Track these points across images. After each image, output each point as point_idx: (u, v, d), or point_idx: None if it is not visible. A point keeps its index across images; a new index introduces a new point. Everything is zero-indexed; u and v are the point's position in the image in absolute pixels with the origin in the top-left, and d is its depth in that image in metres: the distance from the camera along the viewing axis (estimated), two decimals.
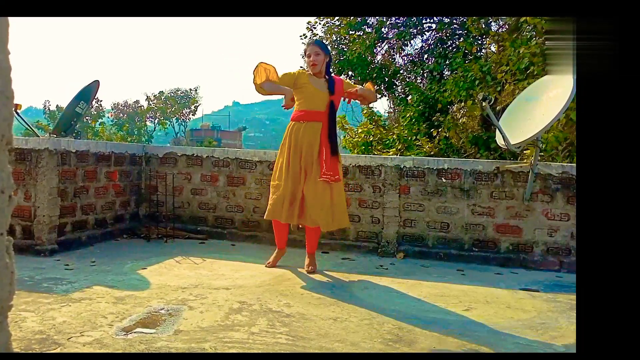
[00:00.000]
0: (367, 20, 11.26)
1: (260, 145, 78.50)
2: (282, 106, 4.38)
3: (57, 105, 50.80)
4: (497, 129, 4.83)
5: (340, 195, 4.16)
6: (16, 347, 2.43)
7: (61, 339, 2.56)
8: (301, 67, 12.58)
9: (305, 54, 4.33)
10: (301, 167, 4.12)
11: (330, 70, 4.36)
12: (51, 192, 4.53)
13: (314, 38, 4.11)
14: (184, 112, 57.16)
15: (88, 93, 6.28)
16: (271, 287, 3.75)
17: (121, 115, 56.30)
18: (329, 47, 4.63)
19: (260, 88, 4.09)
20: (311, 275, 4.16)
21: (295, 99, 4.24)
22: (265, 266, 4.39)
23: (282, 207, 4.11)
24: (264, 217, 4.33)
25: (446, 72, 10.37)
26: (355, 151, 10.34)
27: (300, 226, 4.57)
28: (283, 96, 4.28)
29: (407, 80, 11.24)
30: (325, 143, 4.12)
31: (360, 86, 4.40)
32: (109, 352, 2.42)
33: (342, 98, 4.30)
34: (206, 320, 2.93)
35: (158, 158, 5.84)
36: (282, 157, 4.23)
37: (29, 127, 6.50)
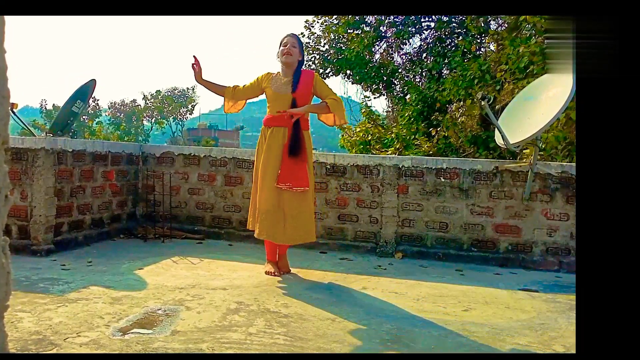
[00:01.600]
0: (365, 19, 11.25)
1: None
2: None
3: (53, 104, 50.79)
4: (496, 128, 4.82)
5: (300, 207, 3.91)
6: (12, 348, 2.41)
7: (57, 339, 2.54)
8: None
9: (281, 42, 4.09)
10: (274, 179, 3.93)
11: (300, 69, 4.08)
12: (47, 191, 4.51)
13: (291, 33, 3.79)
14: (181, 111, 57.11)
15: (85, 92, 6.26)
16: (269, 288, 3.73)
17: (118, 114, 56.25)
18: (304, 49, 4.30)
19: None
20: (309, 277, 4.13)
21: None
22: (273, 275, 4.11)
23: (273, 226, 3.92)
24: (256, 235, 4.07)
25: (445, 71, 10.37)
26: (354, 150, 10.34)
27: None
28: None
29: (406, 79, 11.24)
30: (286, 148, 3.92)
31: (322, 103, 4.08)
32: (106, 352, 2.41)
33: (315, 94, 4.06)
34: (203, 321, 2.91)
35: (155, 157, 5.82)
36: (258, 166, 4.07)
37: (25, 127, 6.48)
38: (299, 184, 3.88)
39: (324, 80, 4.12)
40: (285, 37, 4.10)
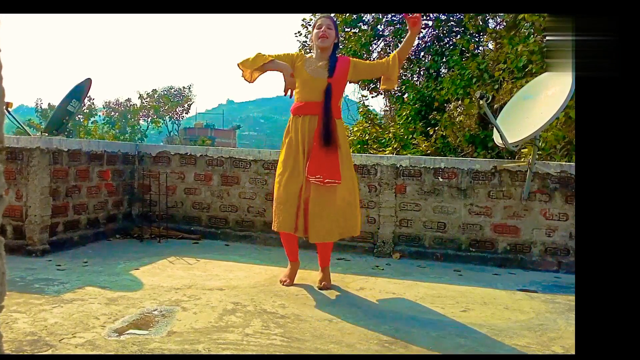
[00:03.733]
0: (363, 17, 11.23)
1: (255, 144, 78.53)
2: (284, 92, 3.87)
3: (49, 103, 50.82)
4: (494, 128, 4.80)
5: (344, 200, 3.67)
6: (7, 349, 2.41)
7: (53, 340, 2.54)
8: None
9: (314, 25, 3.84)
10: (301, 169, 3.66)
11: (336, 53, 3.84)
12: (43, 191, 4.48)
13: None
14: (177, 110, 57.15)
15: (80, 91, 6.23)
16: (265, 288, 3.72)
17: (113, 113, 56.22)
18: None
19: (250, 73, 3.80)
20: (306, 277, 4.09)
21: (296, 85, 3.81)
22: (283, 284, 3.85)
23: (290, 217, 3.64)
24: (273, 228, 3.83)
25: (443, 70, 10.37)
26: (351, 150, 10.32)
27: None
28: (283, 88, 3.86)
29: (404, 78, 11.21)
30: (317, 137, 3.62)
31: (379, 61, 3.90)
32: (102, 353, 2.40)
33: (353, 81, 3.95)
34: (200, 322, 2.90)
35: (151, 157, 5.79)
36: (282, 157, 3.79)
37: (20, 126, 6.44)
38: (331, 176, 3.56)
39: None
40: (320, 18, 3.84)
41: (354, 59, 3.95)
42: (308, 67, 3.77)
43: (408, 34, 3.78)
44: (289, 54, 3.88)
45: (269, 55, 3.79)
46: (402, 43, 3.89)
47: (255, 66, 3.78)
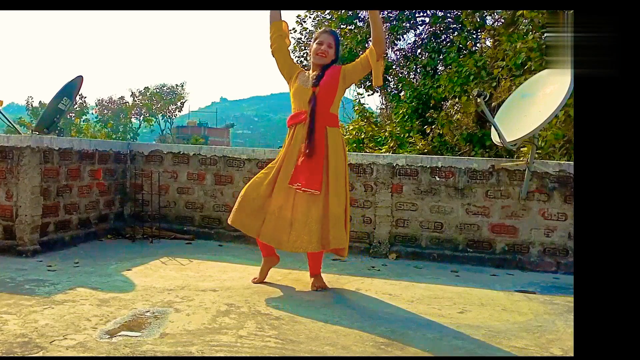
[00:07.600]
0: (358, 14, 11.20)
1: (249, 143, 78.60)
2: None
3: (39, 101, 50.84)
4: (492, 126, 4.78)
5: (331, 211, 3.54)
6: None
7: (44, 342, 2.53)
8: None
9: (315, 39, 3.82)
10: (281, 177, 3.65)
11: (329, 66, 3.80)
12: (33, 191, 4.44)
13: (329, 28, 3.45)
14: (170, 108, 57.19)
15: (71, 89, 6.17)
16: (260, 289, 3.69)
17: (105, 111, 56.19)
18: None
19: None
20: (301, 278, 4.06)
21: None
22: (252, 282, 3.86)
23: (271, 228, 3.61)
24: (259, 238, 3.71)
25: (440, 68, 10.33)
26: (347, 149, 10.31)
27: None
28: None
29: (400, 75, 11.19)
30: (303, 145, 3.60)
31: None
32: (93, 356, 2.39)
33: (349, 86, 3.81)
34: (193, 323, 2.88)
35: (143, 156, 5.75)
36: (274, 165, 3.76)
37: (10, 124, 6.40)
38: (309, 185, 3.51)
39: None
40: (321, 33, 3.81)
41: (344, 65, 3.84)
42: (301, 79, 3.78)
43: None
44: (295, 65, 3.93)
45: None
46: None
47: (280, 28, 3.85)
